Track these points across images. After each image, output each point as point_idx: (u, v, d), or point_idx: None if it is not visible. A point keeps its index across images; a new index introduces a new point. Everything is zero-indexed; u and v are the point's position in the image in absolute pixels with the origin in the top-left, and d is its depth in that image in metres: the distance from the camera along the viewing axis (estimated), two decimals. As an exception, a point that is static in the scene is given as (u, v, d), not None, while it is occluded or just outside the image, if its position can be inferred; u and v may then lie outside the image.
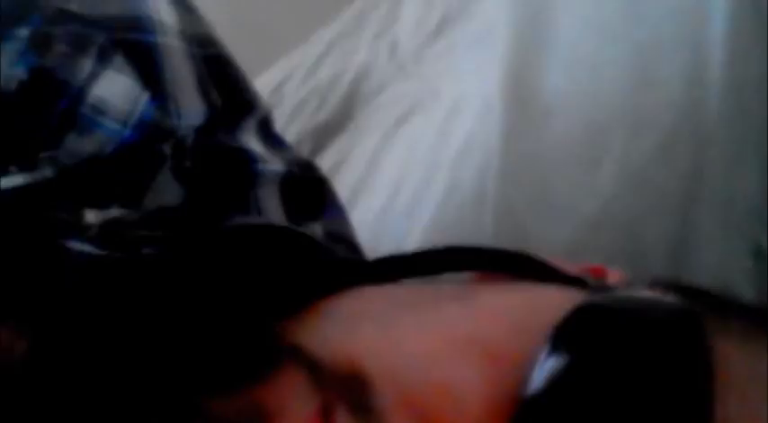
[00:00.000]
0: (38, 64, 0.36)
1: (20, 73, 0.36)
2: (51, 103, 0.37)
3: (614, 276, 0.42)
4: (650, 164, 0.51)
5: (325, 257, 0.41)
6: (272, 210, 0.43)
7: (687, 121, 0.51)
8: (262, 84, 0.83)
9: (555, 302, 0.34)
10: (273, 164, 0.43)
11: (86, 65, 0.37)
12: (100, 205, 0.37)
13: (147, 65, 0.39)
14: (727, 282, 0.49)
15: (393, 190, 0.61)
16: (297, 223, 0.44)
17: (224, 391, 0.33)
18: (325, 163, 0.72)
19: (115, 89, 0.37)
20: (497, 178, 0.54)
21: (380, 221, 0.59)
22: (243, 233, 0.39)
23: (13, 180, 0.36)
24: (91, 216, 0.37)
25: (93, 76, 0.37)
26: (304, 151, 0.77)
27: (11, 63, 0.36)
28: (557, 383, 0.30)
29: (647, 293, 0.35)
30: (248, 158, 0.42)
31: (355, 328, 0.34)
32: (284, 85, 0.81)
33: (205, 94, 0.41)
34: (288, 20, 0.99)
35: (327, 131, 0.76)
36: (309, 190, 0.46)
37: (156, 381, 0.34)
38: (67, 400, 0.34)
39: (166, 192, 0.39)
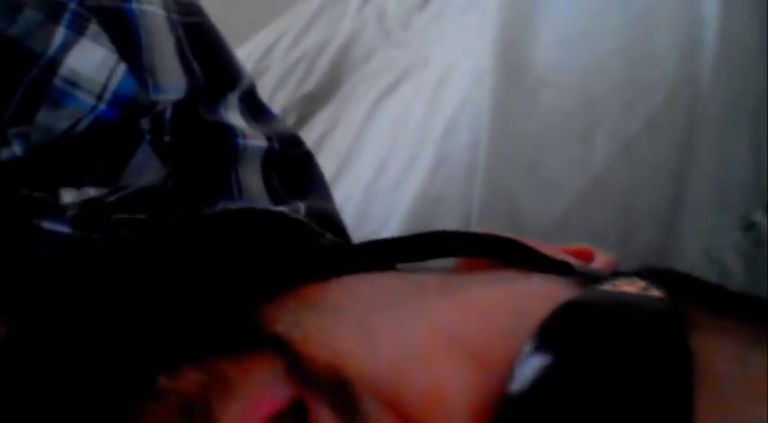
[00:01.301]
0: (2, 33, 0.34)
1: None
2: (19, 75, 0.34)
3: (601, 260, 0.42)
4: (642, 137, 0.50)
5: (309, 240, 0.40)
6: (254, 187, 0.42)
7: (680, 94, 0.50)
8: (247, 51, 0.82)
9: (539, 298, 0.33)
10: (256, 139, 0.42)
11: (58, 33, 0.35)
12: (75, 183, 0.35)
13: (123, 34, 0.36)
14: (716, 255, 0.49)
15: (380, 163, 0.60)
16: (279, 202, 0.43)
17: (184, 366, 0.32)
18: (311, 133, 0.71)
19: (89, 60, 0.35)
20: (487, 151, 0.53)
21: (367, 195, 0.59)
22: (225, 218, 0.38)
23: None
24: (67, 196, 0.35)
25: (66, 46, 0.35)
26: (290, 120, 0.76)
27: None
28: (539, 383, 0.30)
29: (631, 288, 0.34)
30: (229, 133, 0.40)
31: (337, 325, 0.33)
32: (270, 52, 0.80)
33: (186, 65, 0.39)
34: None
35: (314, 100, 0.75)
36: (293, 166, 0.44)
37: (119, 358, 0.34)
38: (50, 379, 0.34)
39: (146, 169, 0.37)
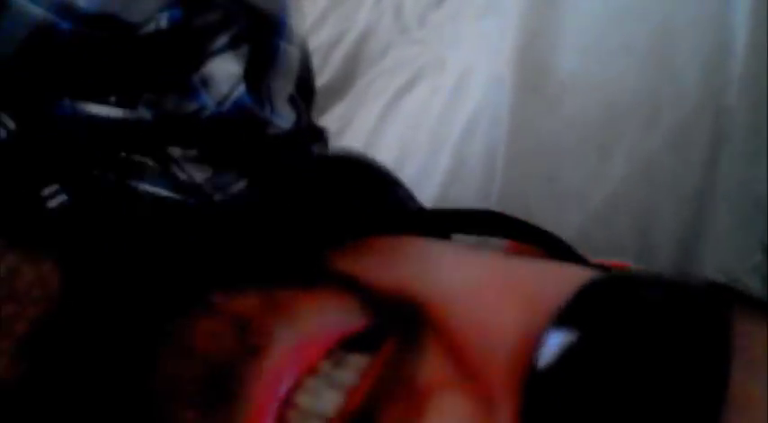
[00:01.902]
0: (184, 23, 0.36)
1: (162, 20, 0.35)
2: (174, 59, 0.36)
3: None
4: (663, 153, 0.49)
5: (392, 193, 0.44)
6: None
7: (704, 109, 0.49)
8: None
9: (583, 274, 0.35)
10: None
11: (220, 40, 0.37)
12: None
13: (262, 62, 0.39)
14: (736, 277, 0.49)
15: (395, 165, 0.59)
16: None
17: (244, 289, 0.34)
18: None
19: (226, 70, 0.37)
20: (505, 158, 0.53)
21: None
22: (325, 165, 0.41)
23: (110, 111, 0.35)
24: (176, 151, 0.37)
25: (217, 52, 0.37)
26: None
27: (158, 7, 0.35)
28: (566, 360, 0.31)
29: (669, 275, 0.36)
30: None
31: (403, 260, 0.36)
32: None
33: (293, 104, 0.41)
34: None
35: (328, 94, 0.74)
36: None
37: (176, 279, 0.35)
38: (100, 332, 0.34)
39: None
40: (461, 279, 0.34)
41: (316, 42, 0.77)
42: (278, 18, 0.39)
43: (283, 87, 0.40)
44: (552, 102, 0.53)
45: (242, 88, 0.38)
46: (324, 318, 0.32)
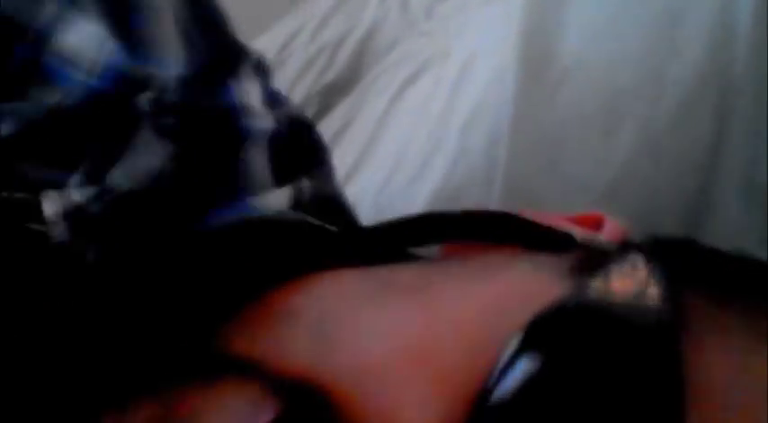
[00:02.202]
0: None
1: None
2: (9, 49, 0.33)
3: (611, 227, 0.38)
4: (669, 132, 0.48)
5: (311, 235, 0.37)
6: (259, 170, 0.39)
7: (710, 87, 0.48)
8: (267, 42, 0.80)
9: (519, 299, 0.30)
10: (263, 119, 0.39)
11: (49, 5, 0.33)
12: (64, 169, 0.33)
13: (117, 5, 0.35)
14: (744, 251, 0.47)
15: (398, 157, 0.58)
16: (284, 181, 0.40)
17: (139, 399, 0.29)
18: (331, 125, 0.70)
19: (81, 34, 0.33)
20: (509, 145, 0.51)
21: (384, 191, 0.57)
22: (220, 234, 0.35)
23: None
24: (49, 206, 0.32)
25: (57, 20, 0.33)
26: (311, 111, 0.74)
27: None
28: (518, 395, 0.27)
29: (626, 284, 0.30)
30: (234, 116, 0.38)
31: (300, 335, 0.30)
32: (291, 42, 0.78)
33: (186, 38, 0.37)
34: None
35: (335, 91, 0.73)
36: (299, 146, 0.41)
37: (62, 388, 0.31)
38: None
39: (147, 152, 0.34)
40: (366, 355, 0.29)
41: (323, 40, 0.77)
42: None
43: (158, 22, 0.35)
44: (555, 87, 0.52)
45: (111, 44, 0.34)
46: (231, 416, 0.28)
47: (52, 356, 0.31)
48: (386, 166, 0.59)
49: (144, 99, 0.34)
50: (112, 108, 0.34)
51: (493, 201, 0.52)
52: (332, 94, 0.73)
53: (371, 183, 0.59)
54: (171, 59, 0.35)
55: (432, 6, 0.70)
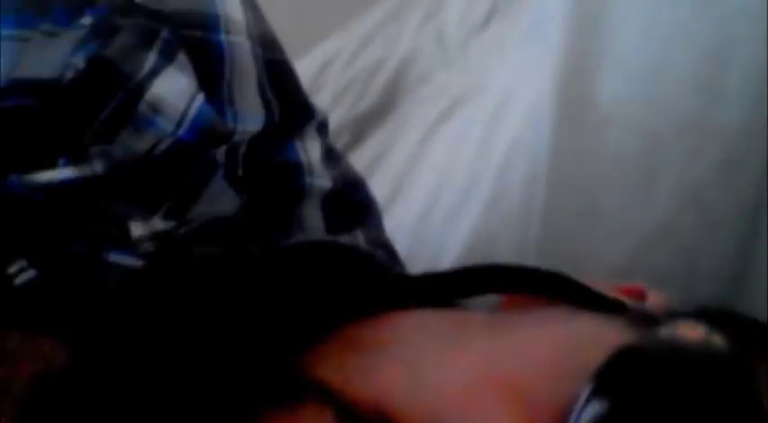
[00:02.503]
0: (98, 54, 0.35)
1: (78, 62, 0.34)
2: (108, 95, 0.35)
3: (654, 299, 0.40)
4: (710, 185, 0.47)
5: (377, 271, 0.40)
6: (315, 224, 0.42)
7: (754, 139, 0.47)
8: (302, 68, 0.81)
9: (593, 340, 0.33)
10: (322, 178, 0.42)
11: (149, 60, 0.36)
12: (147, 209, 0.36)
13: (208, 65, 0.37)
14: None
15: (434, 193, 0.58)
16: (338, 233, 0.43)
17: (230, 418, 0.32)
18: (364, 155, 0.70)
19: (173, 88, 0.36)
20: (546, 189, 0.51)
21: (419, 226, 0.57)
22: (299, 251, 0.38)
23: (61, 173, 0.34)
24: (137, 229, 0.35)
25: (154, 73, 0.36)
26: (344, 140, 0.75)
27: (71, 51, 0.34)
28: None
29: (692, 334, 0.32)
30: (297, 172, 0.41)
31: (381, 366, 0.33)
32: (326, 69, 0.78)
33: (265, 99, 0.39)
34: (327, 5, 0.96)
35: (368, 121, 0.73)
36: (352, 205, 0.45)
37: (170, 405, 0.33)
38: (104, 410, 0.33)
39: (220, 199, 0.38)
40: (444, 387, 0.31)
41: (357, 69, 0.77)
42: (205, 12, 0.37)
43: (243, 83, 0.38)
44: (594, 131, 0.51)
45: (200, 99, 0.36)
46: None
47: (150, 369, 0.34)
48: (422, 200, 0.59)
49: (220, 153, 0.37)
50: (193, 156, 0.36)
51: (530, 243, 0.52)
52: (365, 123, 0.74)
53: (407, 216, 0.59)
54: (251, 117, 0.38)
55: (467, 40, 0.70)
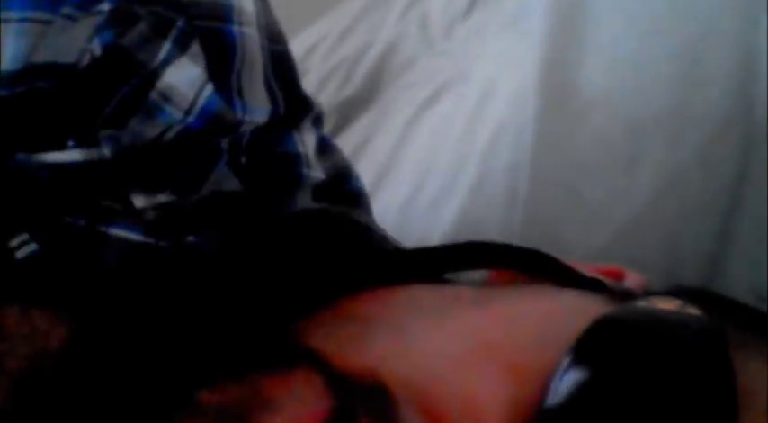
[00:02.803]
0: (114, 41, 0.35)
1: (95, 48, 0.35)
2: (121, 82, 0.36)
3: (632, 280, 0.42)
4: (691, 169, 0.49)
5: (365, 241, 0.41)
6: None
7: (733, 124, 0.49)
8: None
9: (574, 311, 0.34)
10: (316, 171, 0.43)
11: (164, 49, 0.36)
12: (153, 190, 0.37)
13: (220, 54, 0.38)
14: (763, 294, 0.48)
15: (419, 179, 0.59)
16: None
17: (225, 381, 0.33)
18: (349, 140, 0.71)
19: (184, 77, 0.36)
20: (529, 176, 0.52)
21: (404, 212, 0.58)
22: (299, 220, 0.39)
23: (69, 155, 0.35)
24: (139, 201, 0.36)
25: (167, 62, 0.36)
26: (329, 125, 0.75)
27: (87, 37, 0.35)
28: (576, 398, 0.30)
29: (668, 305, 0.34)
30: (297, 163, 0.42)
31: (373, 335, 0.34)
32: (310, 55, 0.79)
33: (270, 90, 0.40)
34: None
35: (353, 107, 0.74)
36: (342, 199, 0.46)
37: (161, 369, 0.34)
38: (103, 389, 0.34)
39: (223, 185, 0.39)
40: (434, 354, 0.32)
41: (341, 55, 0.78)
42: (220, 3, 0.37)
43: (252, 75, 0.39)
44: (577, 117, 0.53)
45: (209, 89, 0.37)
46: (299, 403, 0.32)
47: (149, 338, 0.35)
48: (408, 185, 0.60)
49: (224, 141, 0.38)
50: (199, 143, 0.37)
51: (514, 227, 0.53)
52: (350, 108, 0.74)
53: (393, 200, 0.60)
54: (258, 108, 0.39)
55: (451, 27, 0.71)
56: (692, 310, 0.33)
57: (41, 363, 0.34)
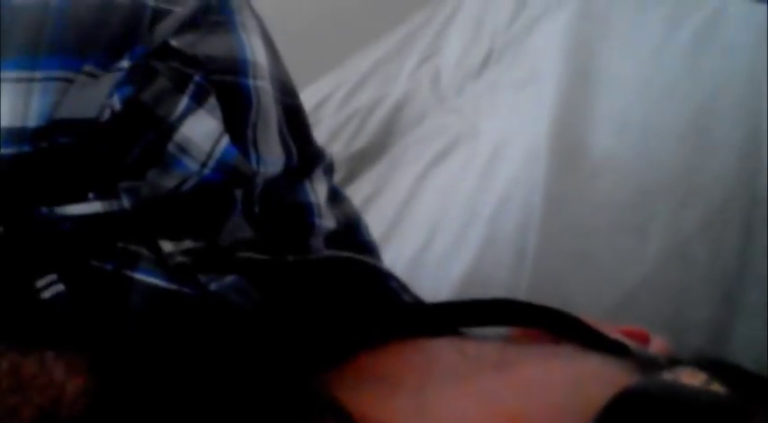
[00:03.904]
0: (133, 96, 0.36)
1: (115, 103, 0.36)
2: (140, 135, 0.37)
3: (657, 345, 0.42)
4: (697, 235, 0.49)
5: (387, 292, 0.42)
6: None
7: (738, 193, 0.49)
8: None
9: (599, 379, 0.34)
10: (327, 220, 0.44)
11: (182, 103, 0.37)
12: (172, 240, 0.37)
13: (237, 108, 0.39)
14: (766, 361, 0.48)
15: (428, 234, 0.60)
16: None
17: None
18: (359, 192, 0.71)
19: (201, 130, 0.37)
20: (538, 235, 0.53)
21: (413, 267, 0.58)
22: (327, 265, 0.40)
23: (90, 207, 0.36)
24: (166, 246, 0.37)
25: (185, 115, 0.37)
26: (338, 176, 0.76)
27: (108, 93, 0.36)
28: None
29: (693, 380, 0.34)
30: (308, 212, 0.43)
31: (395, 396, 0.34)
32: (322, 106, 0.80)
33: (284, 142, 0.41)
34: (321, 41, 0.98)
35: (363, 159, 0.75)
36: (353, 244, 0.46)
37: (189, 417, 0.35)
38: None
39: (238, 234, 0.39)
40: (465, 420, 0.33)
41: (353, 106, 0.79)
42: (236, 58, 0.38)
43: (267, 127, 0.39)
44: (587, 180, 0.53)
45: (225, 141, 0.38)
46: None
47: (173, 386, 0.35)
48: (417, 240, 0.60)
49: (238, 191, 0.39)
50: (216, 194, 0.38)
51: (522, 286, 0.53)
52: (360, 161, 0.75)
53: (401, 255, 0.60)
54: (273, 160, 0.40)
55: (463, 84, 0.72)
56: (717, 387, 0.33)
57: (57, 411, 0.34)
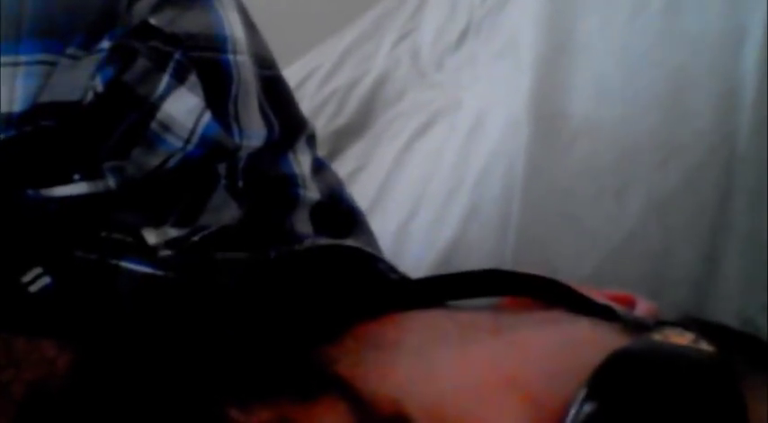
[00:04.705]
0: (115, 77, 0.37)
1: (97, 85, 0.36)
2: (123, 116, 0.37)
3: (644, 307, 0.43)
4: (677, 194, 0.50)
5: (374, 272, 0.42)
6: (305, 232, 0.44)
7: (716, 152, 0.50)
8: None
9: (590, 342, 0.35)
10: (311, 190, 0.44)
11: (163, 81, 0.38)
12: (158, 218, 0.38)
13: (217, 83, 0.39)
14: (748, 316, 0.49)
15: (412, 207, 0.60)
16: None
17: (255, 404, 0.34)
18: (341, 169, 0.71)
19: (183, 107, 0.38)
20: (521, 202, 0.54)
21: (398, 239, 0.59)
22: (311, 254, 0.40)
23: (76, 188, 0.36)
24: (150, 237, 0.38)
25: (166, 93, 0.38)
26: (320, 154, 0.76)
27: (90, 75, 0.36)
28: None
29: (681, 340, 0.35)
30: (293, 183, 0.44)
31: (395, 361, 0.35)
32: (303, 86, 0.80)
33: (264, 115, 0.42)
34: (305, 20, 0.98)
35: (345, 136, 0.75)
36: (338, 215, 0.46)
37: (190, 390, 0.35)
38: (108, 413, 0.35)
39: (222, 209, 0.40)
40: (453, 384, 0.33)
41: (333, 85, 0.79)
42: (214, 34, 0.39)
43: (247, 101, 0.40)
44: (568, 145, 0.54)
45: (207, 117, 0.38)
46: None
47: (181, 359, 0.36)
48: (398, 215, 0.61)
49: (222, 166, 0.39)
50: (199, 170, 0.39)
51: (507, 253, 0.54)
52: (342, 138, 0.75)
53: (384, 231, 0.61)
54: (255, 133, 0.40)
55: (442, 58, 0.73)
56: (705, 346, 0.34)
57: (47, 386, 0.35)
